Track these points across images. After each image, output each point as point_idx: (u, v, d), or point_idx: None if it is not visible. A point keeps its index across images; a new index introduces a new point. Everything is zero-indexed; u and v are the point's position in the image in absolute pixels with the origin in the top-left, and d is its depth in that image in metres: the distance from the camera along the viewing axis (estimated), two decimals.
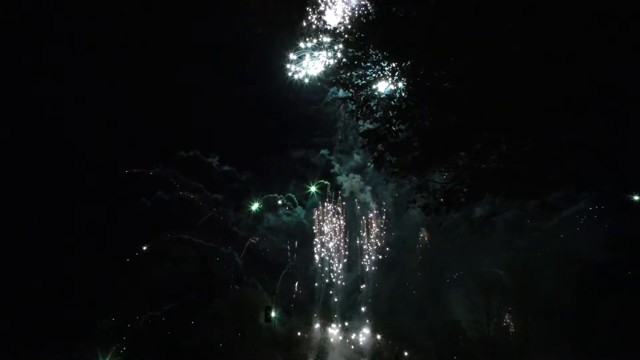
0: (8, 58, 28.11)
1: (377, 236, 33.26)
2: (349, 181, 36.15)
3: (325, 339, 29.21)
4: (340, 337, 29.20)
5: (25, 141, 28.84)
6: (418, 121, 16.02)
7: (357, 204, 35.25)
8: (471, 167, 15.98)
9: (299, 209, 38.59)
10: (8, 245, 25.71)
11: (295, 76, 33.04)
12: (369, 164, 33.38)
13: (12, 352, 23.65)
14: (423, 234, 30.24)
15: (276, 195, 38.57)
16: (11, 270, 25.26)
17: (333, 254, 33.92)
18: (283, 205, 37.78)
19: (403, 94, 15.98)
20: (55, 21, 29.37)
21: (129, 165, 32.32)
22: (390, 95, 16.74)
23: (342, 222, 35.11)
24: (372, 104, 17.17)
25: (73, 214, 28.39)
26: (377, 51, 16.00)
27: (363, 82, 16.17)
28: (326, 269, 33.22)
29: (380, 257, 32.38)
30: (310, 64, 32.61)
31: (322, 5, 28.05)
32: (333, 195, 36.70)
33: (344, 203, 35.60)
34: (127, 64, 31.12)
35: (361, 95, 16.69)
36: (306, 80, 33.25)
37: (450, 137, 15.11)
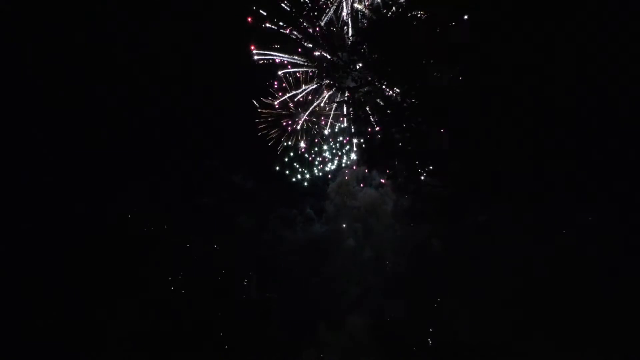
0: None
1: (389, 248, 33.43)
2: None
3: (326, 342, 29.87)
4: (341, 342, 29.80)
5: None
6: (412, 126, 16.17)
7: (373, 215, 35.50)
8: (465, 172, 16.00)
9: (316, 225, 39.01)
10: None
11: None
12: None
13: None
14: (430, 242, 30.14)
15: (293, 210, 39.13)
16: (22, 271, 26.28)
17: (345, 265, 34.23)
18: (298, 220, 38.30)
19: (398, 99, 16.15)
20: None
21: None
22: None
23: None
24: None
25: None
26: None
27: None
28: (337, 279, 33.50)
29: (388, 264, 32.67)
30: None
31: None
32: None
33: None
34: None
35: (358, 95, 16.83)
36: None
37: (442, 142, 15.21)
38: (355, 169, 38.25)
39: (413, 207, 28.19)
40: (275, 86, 31.73)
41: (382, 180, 33.37)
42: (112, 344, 28.24)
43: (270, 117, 32.60)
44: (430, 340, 28.42)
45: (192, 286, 31.94)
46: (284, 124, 32.87)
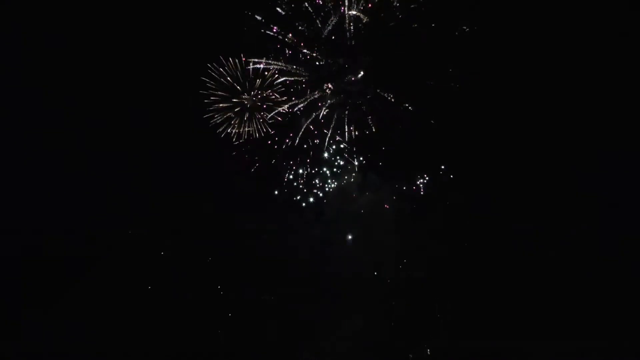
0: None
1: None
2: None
3: (323, 345, 30.32)
4: (339, 345, 30.27)
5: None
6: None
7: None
8: (464, 173, 16.12)
9: (316, 228, 38.93)
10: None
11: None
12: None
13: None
14: (429, 244, 30.11)
15: (293, 213, 39.03)
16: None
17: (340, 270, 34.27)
18: (298, 223, 38.15)
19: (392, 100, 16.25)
20: None
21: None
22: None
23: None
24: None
25: None
26: None
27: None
28: (335, 282, 33.57)
29: (386, 268, 32.78)
30: None
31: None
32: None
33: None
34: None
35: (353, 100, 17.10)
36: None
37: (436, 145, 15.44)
38: (355, 173, 38.25)
39: (412, 209, 28.25)
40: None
41: (381, 184, 33.30)
42: (110, 345, 28.34)
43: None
44: (430, 344, 28.51)
45: (190, 287, 32.11)
46: (270, 142, 32.17)
